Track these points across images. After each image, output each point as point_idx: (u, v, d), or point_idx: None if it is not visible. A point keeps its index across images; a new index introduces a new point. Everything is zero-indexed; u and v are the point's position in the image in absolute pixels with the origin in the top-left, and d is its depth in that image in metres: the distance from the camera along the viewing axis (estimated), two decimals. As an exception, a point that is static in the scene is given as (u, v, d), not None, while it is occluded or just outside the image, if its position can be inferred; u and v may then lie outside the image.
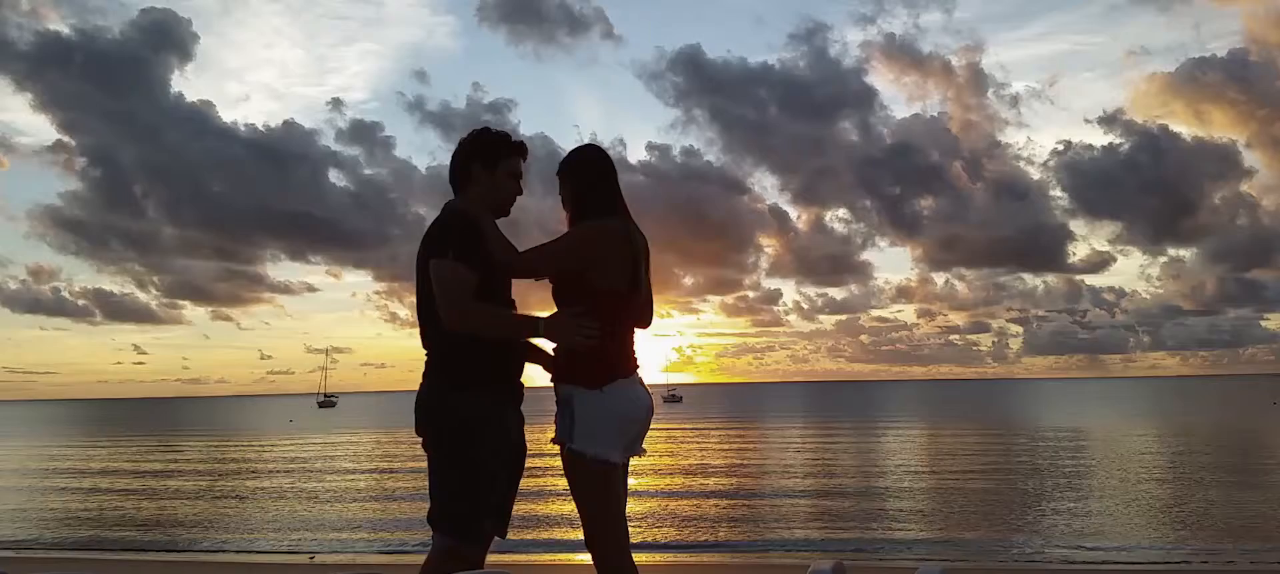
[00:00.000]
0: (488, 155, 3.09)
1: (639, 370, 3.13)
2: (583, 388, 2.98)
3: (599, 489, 2.99)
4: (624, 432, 3.02)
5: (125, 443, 43.94)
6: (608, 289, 2.99)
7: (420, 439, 3.05)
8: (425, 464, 3.06)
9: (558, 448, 3.08)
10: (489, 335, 2.97)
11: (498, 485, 2.99)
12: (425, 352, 3.07)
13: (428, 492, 3.02)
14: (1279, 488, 18.47)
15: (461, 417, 2.96)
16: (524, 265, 3.05)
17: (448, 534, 2.96)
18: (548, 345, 3.11)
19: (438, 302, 2.90)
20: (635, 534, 13.27)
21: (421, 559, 3.09)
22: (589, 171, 3.13)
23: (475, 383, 2.97)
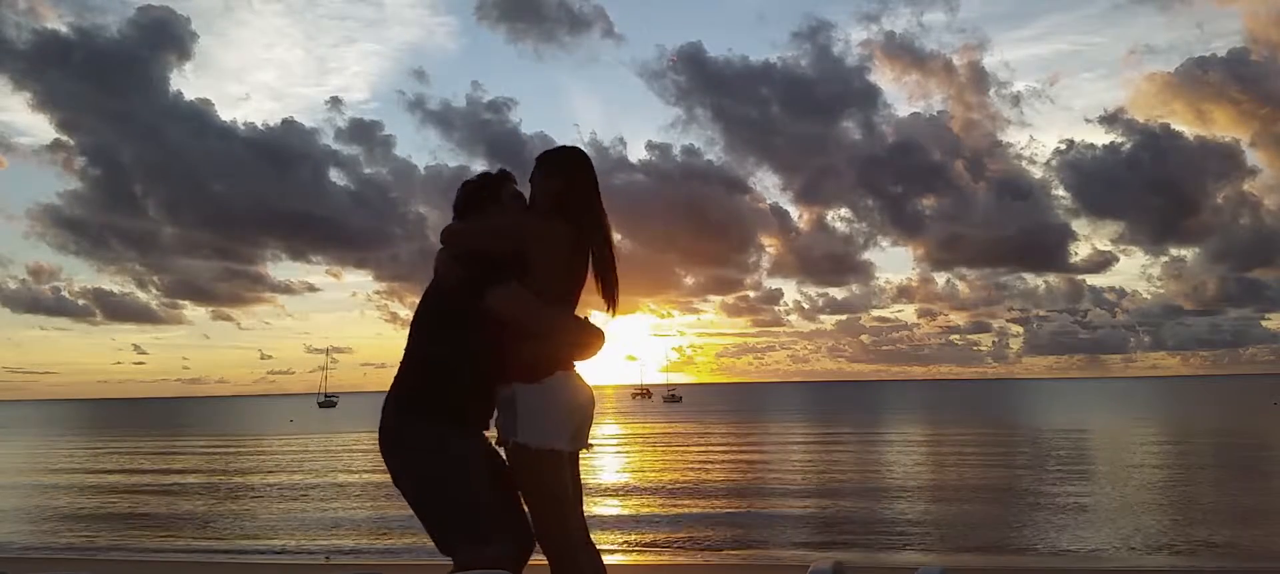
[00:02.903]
0: (491, 194, 3.12)
1: (576, 367, 3.13)
2: (523, 383, 2.99)
3: (547, 478, 2.99)
4: (568, 421, 3.04)
5: (125, 443, 43.95)
6: (552, 291, 3.02)
7: (390, 472, 3.04)
8: None
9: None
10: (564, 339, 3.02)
11: (482, 487, 2.95)
12: (403, 369, 3.08)
13: (424, 525, 3.00)
14: (1279, 488, 18.49)
15: (434, 437, 2.96)
16: (454, 237, 3.06)
17: (469, 544, 2.91)
18: None
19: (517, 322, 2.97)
20: (636, 534, 13.32)
21: (429, 562, 3.07)
22: (580, 172, 3.14)
23: (442, 415, 2.97)
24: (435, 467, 2.95)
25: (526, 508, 3.02)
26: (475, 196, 3.12)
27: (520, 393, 2.99)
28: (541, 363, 3.00)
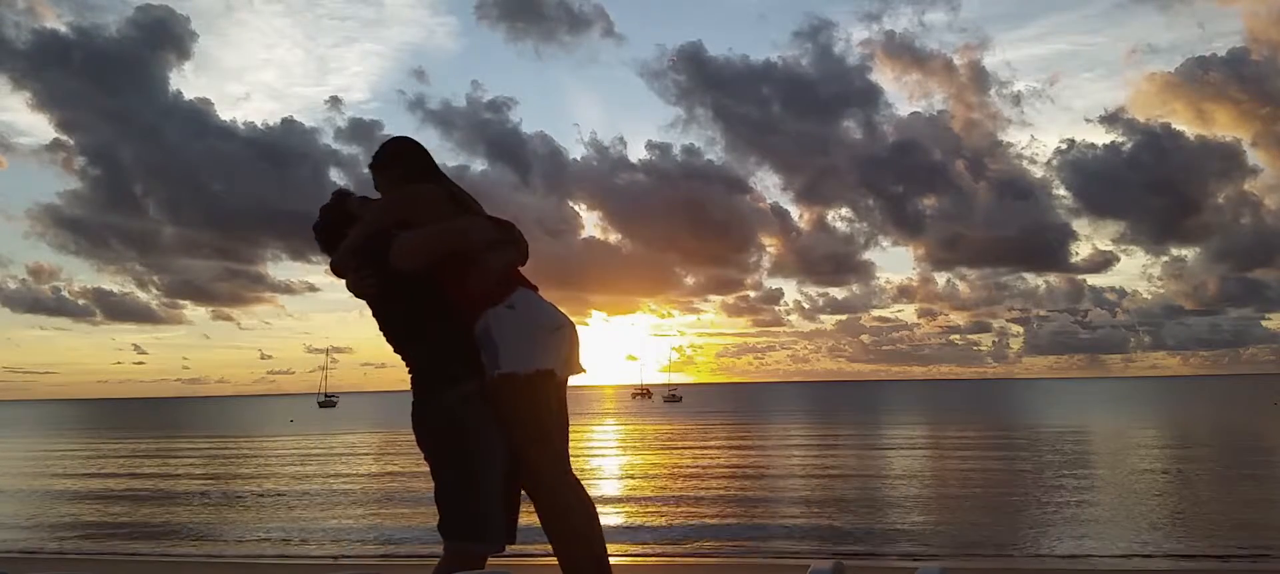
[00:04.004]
0: (341, 215, 3.15)
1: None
2: (493, 308, 2.92)
3: (536, 402, 2.90)
4: (551, 339, 2.95)
5: (125, 444, 43.94)
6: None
7: (422, 453, 3.07)
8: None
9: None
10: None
11: (496, 479, 2.96)
12: (408, 370, 3.10)
13: (434, 500, 3.01)
14: (1278, 488, 18.49)
15: (448, 416, 2.96)
16: (343, 258, 3.06)
17: (460, 537, 2.94)
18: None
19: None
20: (636, 532, 13.32)
21: (434, 562, 3.07)
22: (412, 157, 3.17)
23: (455, 379, 2.97)
24: (454, 459, 2.96)
25: (512, 442, 2.95)
26: (333, 227, 3.14)
27: (492, 320, 2.91)
28: (495, 287, 2.94)
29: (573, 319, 3.11)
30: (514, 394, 2.89)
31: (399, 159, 3.17)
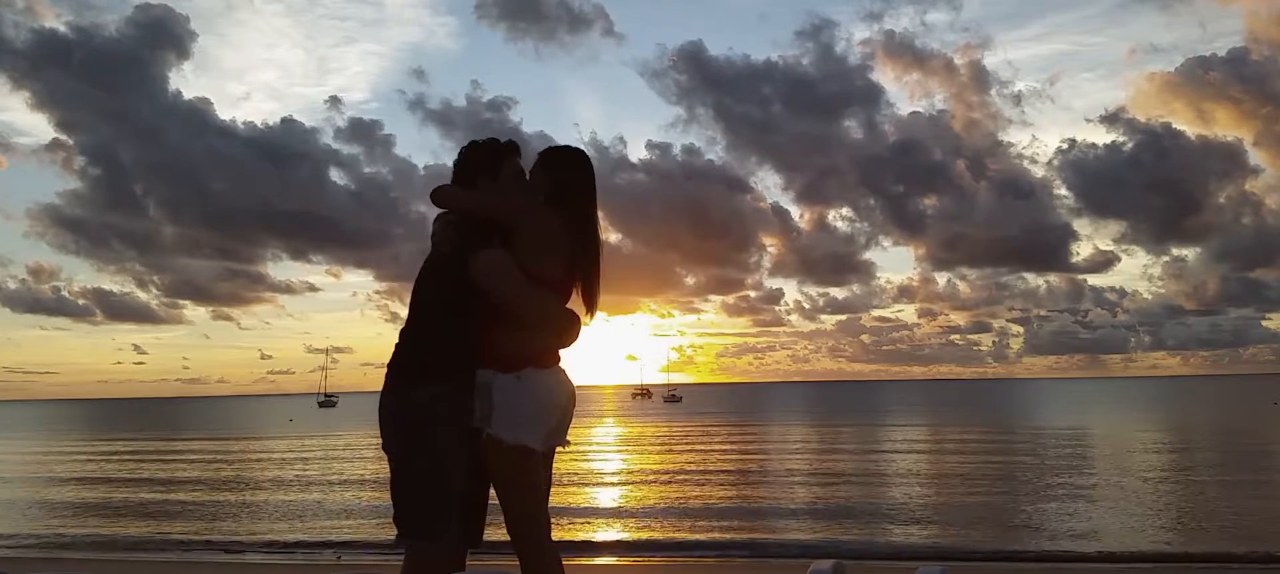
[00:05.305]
0: (489, 165, 3.10)
1: (561, 363, 3.11)
2: (500, 373, 2.97)
3: (517, 476, 2.98)
4: (544, 419, 3.01)
5: (126, 444, 43.94)
6: (536, 275, 2.98)
7: (382, 443, 3.05)
8: None
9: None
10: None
11: (457, 477, 2.96)
12: (396, 349, 3.09)
13: (390, 495, 3.01)
14: (1278, 488, 18.49)
15: (415, 410, 2.97)
16: (442, 197, 3.06)
17: (414, 536, 2.95)
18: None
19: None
20: (636, 533, 13.31)
21: None
22: (575, 171, 3.13)
23: (429, 376, 2.97)
24: (418, 451, 2.96)
25: (497, 499, 3.02)
26: (472, 165, 3.10)
27: (496, 382, 2.96)
28: (516, 353, 2.98)
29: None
30: (497, 458, 2.96)
31: (559, 169, 3.11)
